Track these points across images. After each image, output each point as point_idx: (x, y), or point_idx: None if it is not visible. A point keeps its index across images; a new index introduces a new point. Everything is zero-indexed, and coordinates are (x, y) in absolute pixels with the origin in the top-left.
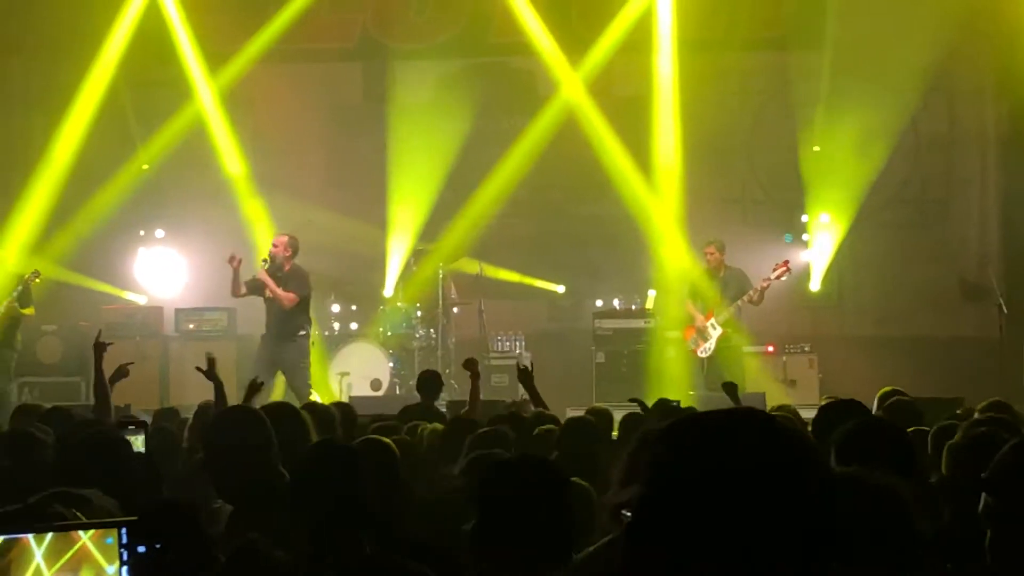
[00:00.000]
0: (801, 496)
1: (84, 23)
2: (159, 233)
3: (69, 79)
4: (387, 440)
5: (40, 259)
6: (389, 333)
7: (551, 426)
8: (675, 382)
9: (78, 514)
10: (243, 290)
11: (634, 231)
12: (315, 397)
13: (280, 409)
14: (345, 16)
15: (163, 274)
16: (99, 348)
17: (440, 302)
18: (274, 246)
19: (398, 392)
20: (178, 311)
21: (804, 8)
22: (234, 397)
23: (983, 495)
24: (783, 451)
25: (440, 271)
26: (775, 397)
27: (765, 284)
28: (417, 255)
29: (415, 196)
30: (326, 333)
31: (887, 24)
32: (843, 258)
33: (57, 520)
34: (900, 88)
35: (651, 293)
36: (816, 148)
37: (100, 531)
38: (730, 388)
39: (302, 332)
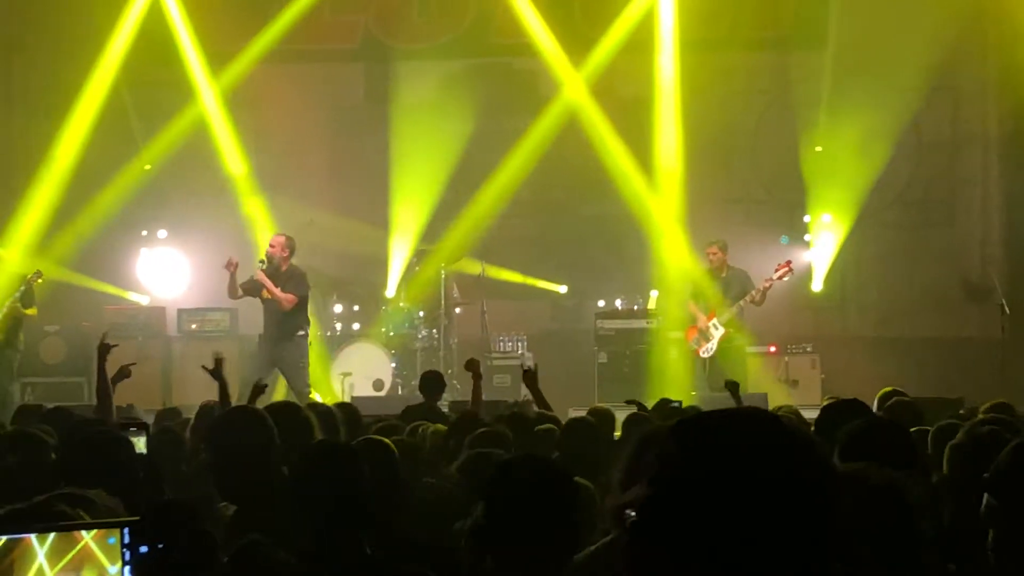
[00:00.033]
0: (807, 496)
1: (86, 23)
2: (161, 233)
3: (71, 79)
4: (387, 440)
5: (43, 259)
6: (391, 333)
7: (550, 425)
8: (677, 382)
9: (83, 514)
10: (240, 292)
11: (636, 231)
12: (316, 397)
13: (285, 409)
14: (347, 17)
15: (165, 274)
16: (103, 349)
17: (442, 302)
18: (271, 246)
19: (400, 392)
20: (180, 311)
21: (806, 8)
22: (234, 397)
23: (985, 495)
24: (789, 451)
25: (442, 271)
26: (777, 397)
27: (767, 284)
28: (419, 255)
29: (417, 196)
30: (328, 333)
31: (890, 24)
32: (846, 258)
33: (61, 520)
34: (903, 88)
35: (653, 294)
36: (818, 148)
37: (102, 531)
38: (732, 387)
39: (301, 332)
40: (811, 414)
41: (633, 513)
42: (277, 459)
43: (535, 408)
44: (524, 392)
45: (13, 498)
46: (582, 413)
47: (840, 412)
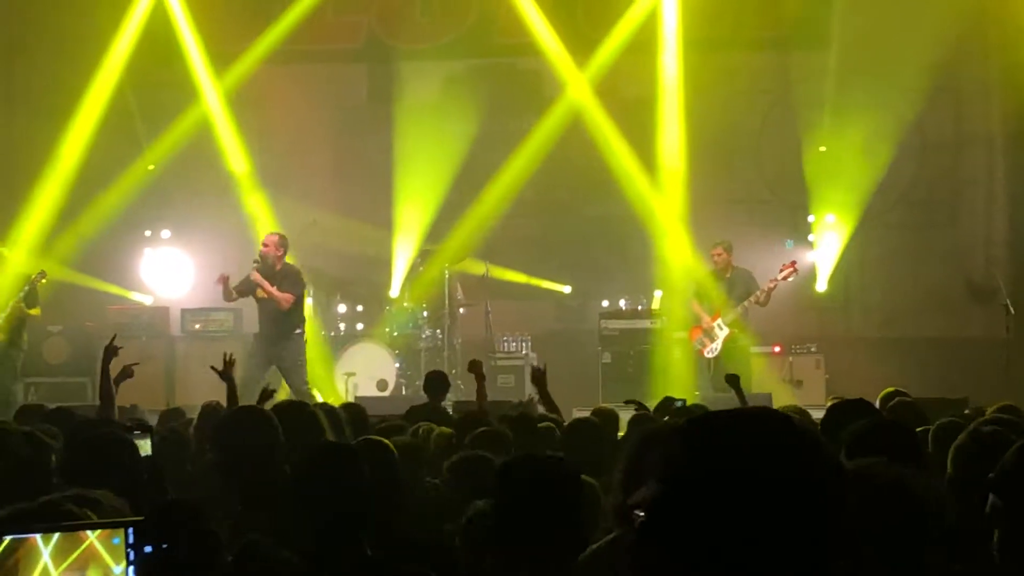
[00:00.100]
0: (815, 496)
1: (89, 24)
2: (165, 233)
3: (75, 80)
4: (386, 441)
5: (46, 260)
6: (395, 334)
7: (550, 424)
8: (681, 383)
9: (91, 514)
10: (234, 296)
11: (640, 231)
12: (317, 396)
13: (294, 409)
14: (351, 17)
15: (169, 274)
16: (109, 351)
17: (446, 303)
18: (264, 245)
19: (404, 392)
20: (184, 311)
21: (809, 8)
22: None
23: (990, 496)
24: (798, 451)
25: (446, 272)
26: (782, 397)
27: (772, 285)
28: (423, 255)
29: (421, 196)
30: (332, 334)
31: (893, 24)
32: (850, 259)
33: (67, 520)
34: (906, 88)
35: (657, 294)
36: (822, 148)
37: (107, 531)
38: (732, 380)
39: (298, 330)
40: (815, 414)
41: (641, 513)
42: (283, 459)
43: (540, 408)
44: (528, 392)
45: (19, 497)
46: (586, 413)
47: (845, 412)
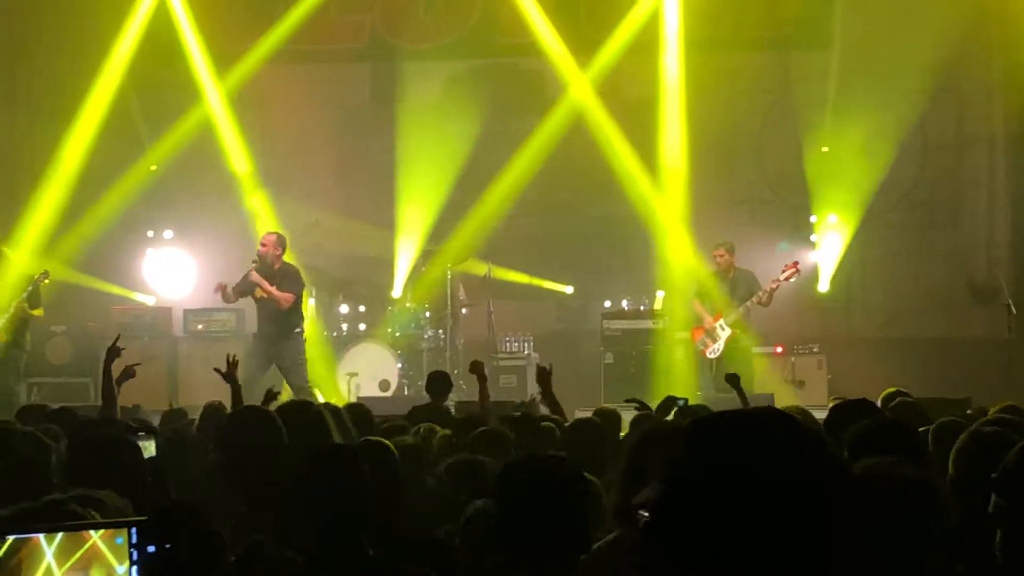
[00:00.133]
0: (820, 496)
1: (92, 25)
2: (167, 234)
3: (77, 81)
4: (386, 441)
5: (49, 260)
6: (397, 334)
7: (550, 424)
8: (683, 383)
9: (94, 514)
10: (233, 298)
11: (642, 232)
12: (318, 395)
13: (300, 410)
14: (353, 17)
15: (171, 275)
16: (111, 351)
17: (448, 303)
18: (263, 245)
19: (406, 393)
20: (187, 312)
21: (811, 9)
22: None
23: (992, 496)
24: (802, 451)
25: (448, 272)
26: (784, 398)
27: (774, 285)
28: (425, 256)
29: (423, 197)
30: (334, 334)
31: (895, 24)
32: (852, 259)
33: (71, 520)
34: (908, 89)
35: (660, 294)
36: (825, 149)
37: (110, 531)
38: (733, 380)
39: (297, 329)
40: (817, 414)
41: (645, 513)
42: (287, 459)
43: (543, 409)
44: (531, 392)
45: (22, 497)
46: (588, 414)
47: (848, 412)
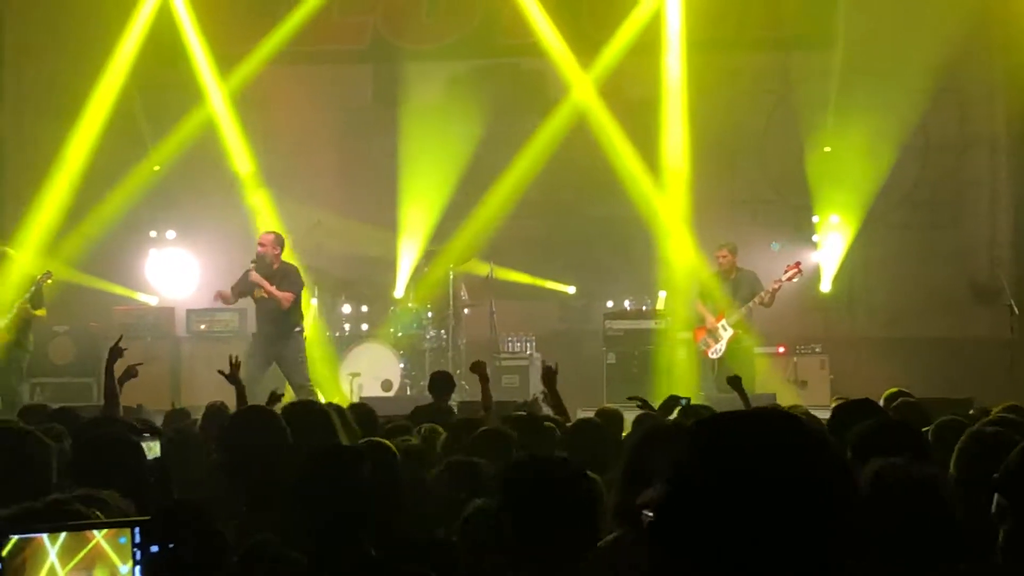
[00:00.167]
0: (825, 496)
1: (95, 26)
2: (170, 234)
3: (80, 81)
4: (388, 442)
5: (52, 260)
6: (400, 334)
7: (550, 424)
8: (685, 383)
9: (98, 514)
10: (233, 299)
11: (644, 232)
12: (318, 394)
13: (306, 410)
14: (356, 18)
15: (174, 275)
16: (114, 351)
17: (451, 303)
18: (261, 245)
19: (409, 393)
20: (189, 312)
21: (813, 9)
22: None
23: (995, 495)
24: (807, 452)
25: (451, 272)
26: (786, 398)
27: (776, 286)
28: (428, 256)
29: (426, 197)
30: (337, 334)
31: (897, 24)
32: (854, 259)
33: (75, 519)
34: (910, 89)
35: (662, 294)
36: (827, 149)
37: (113, 531)
38: (735, 382)
39: (298, 328)
40: (819, 415)
41: (650, 514)
42: (293, 460)
43: (545, 409)
44: (533, 392)
45: (14, 497)
46: (590, 414)
47: (851, 413)
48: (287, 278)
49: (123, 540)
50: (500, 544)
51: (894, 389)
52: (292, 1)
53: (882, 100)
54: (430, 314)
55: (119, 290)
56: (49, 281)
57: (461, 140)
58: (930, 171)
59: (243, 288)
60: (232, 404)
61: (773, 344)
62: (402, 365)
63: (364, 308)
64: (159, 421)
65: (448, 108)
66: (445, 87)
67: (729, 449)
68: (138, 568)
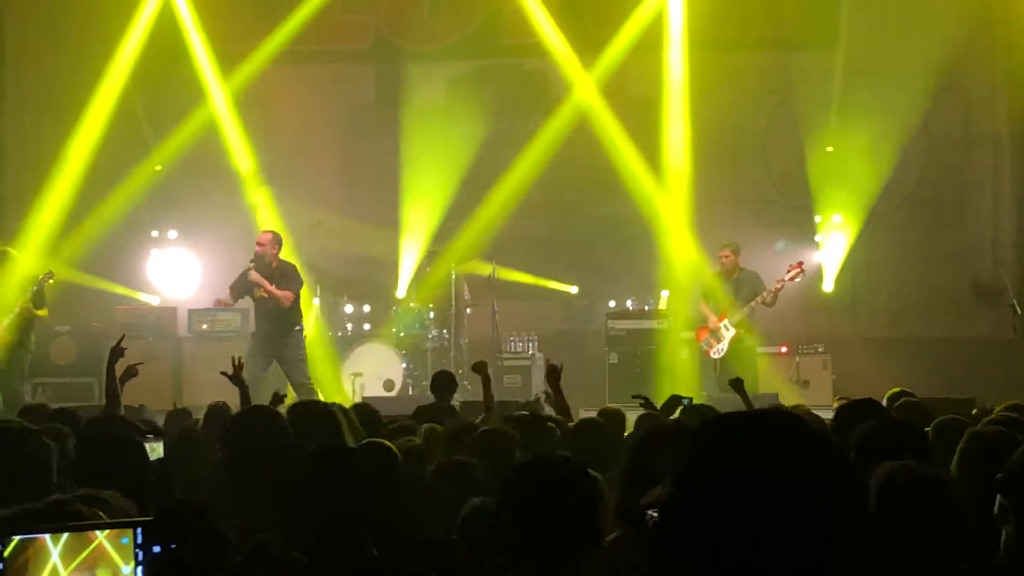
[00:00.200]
0: (831, 496)
1: (97, 26)
2: (172, 234)
3: (82, 82)
4: (388, 443)
5: (54, 260)
6: (402, 334)
7: (551, 425)
8: (687, 383)
9: (100, 514)
10: (233, 302)
11: (646, 232)
12: (319, 394)
13: (312, 410)
14: (358, 17)
15: (176, 275)
16: (115, 351)
17: (453, 303)
18: (259, 244)
19: (411, 393)
20: (191, 312)
21: (816, 9)
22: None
23: (998, 496)
24: (812, 452)
25: (453, 272)
26: (788, 398)
27: (779, 285)
28: (430, 256)
29: (428, 197)
30: (339, 334)
31: (900, 24)
32: (856, 259)
33: (77, 520)
34: (912, 89)
35: (664, 294)
36: (829, 148)
37: (116, 531)
38: (736, 385)
39: (298, 327)
40: (822, 415)
41: (655, 514)
42: (294, 459)
43: (547, 408)
44: (535, 392)
45: (14, 498)
46: (593, 414)
47: (855, 413)
48: (286, 277)
49: (125, 540)
50: (501, 544)
51: (897, 389)
52: (294, 0)
53: (884, 100)
54: (432, 314)
55: (121, 290)
56: (51, 281)
57: (463, 140)
58: (933, 171)
59: (243, 288)
60: (234, 403)
61: (775, 344)
62: (404, 365)
63: (366, 308)
64: (161, 421)
65: (450, 108)
66: (447, 87)
67: (733, 449)
68: (140, 568)
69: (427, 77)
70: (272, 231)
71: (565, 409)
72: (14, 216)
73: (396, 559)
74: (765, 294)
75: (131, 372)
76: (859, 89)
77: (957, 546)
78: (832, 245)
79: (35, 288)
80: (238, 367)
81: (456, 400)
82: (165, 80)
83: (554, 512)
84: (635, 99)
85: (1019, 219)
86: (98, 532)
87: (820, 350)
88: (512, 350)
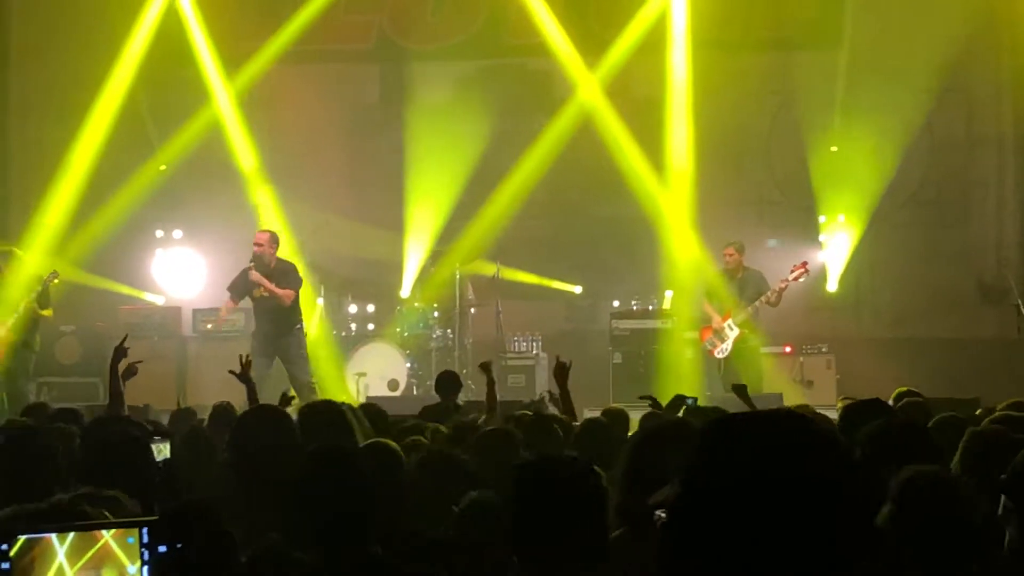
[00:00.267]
0: (838, 496)
1: (102, 26)
2: (177, 234)
3: (87, 82)
4: (391, 443)
5: (59, 260)
6: (406, 334)
7: (556, 424)
8: (691, 383)
9: (106, 514)
10: (235, 305)
11: (650, 232)
12: (317, 390)
13: (323, 410)
14: (362, 17)
15: (181, 274)
16: (118, 351)
17: (457, 303)
18: (258, 244)
19: (415, 392)
20: (195, 311)
21: (819, 9)
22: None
23: (1002, 497)
24: (819, 453)
25: (457, 272)
26: (792, 398)
27: (783, 285)
28: (434, 256)
29: (432, 197)
30: (343, 334)
31: (903, 25)
32: (860, 259)
33: (83, 519)
34: (916, 89)
35: (668, 294)
36: (833, 148)
37: (122, 530)
38: (739, 390)
39: (298, 325)
40: (826, 415)
41: (663, 514)
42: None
43: (551, 408)
44: (539, 392)
45: (19, 497)
46: (597, 413)
47: (861, 413)
48: (286, 276)
49: (131, 540)
50: (507, 542)
51: (902, 389)
52: (298, 0)
53: (888, 100)
54: (436, 314)
55: (125, 290)
56: (56, 281)
57: (467, 140)
58: (936, 171)
59: (243, 289)
60: (238, 403)
61: (779, 344)
62: (408, 365)
63: (370, 308)
64: (165, 420)
65: (454, 108)
66: (451, 87)
67: (740, 449)
68: (146, 568)
69: (431, 77)
70: (269, 230)
71: (570, 408)
72: (19, 216)
73: (399, 559)
74: (769, 294)
75: (131, 371)
76: (862, 89)
77: (969, 549)
78: (836, 245)
79: (40, 288)
80: (246, 365)
81: (460, 400)
82: (170, 80)
83: (560, 510)
84: (639, 99)
85: (1023, 219)
86: (104, 531)
87: (824, 350)
88: (516, 350)
